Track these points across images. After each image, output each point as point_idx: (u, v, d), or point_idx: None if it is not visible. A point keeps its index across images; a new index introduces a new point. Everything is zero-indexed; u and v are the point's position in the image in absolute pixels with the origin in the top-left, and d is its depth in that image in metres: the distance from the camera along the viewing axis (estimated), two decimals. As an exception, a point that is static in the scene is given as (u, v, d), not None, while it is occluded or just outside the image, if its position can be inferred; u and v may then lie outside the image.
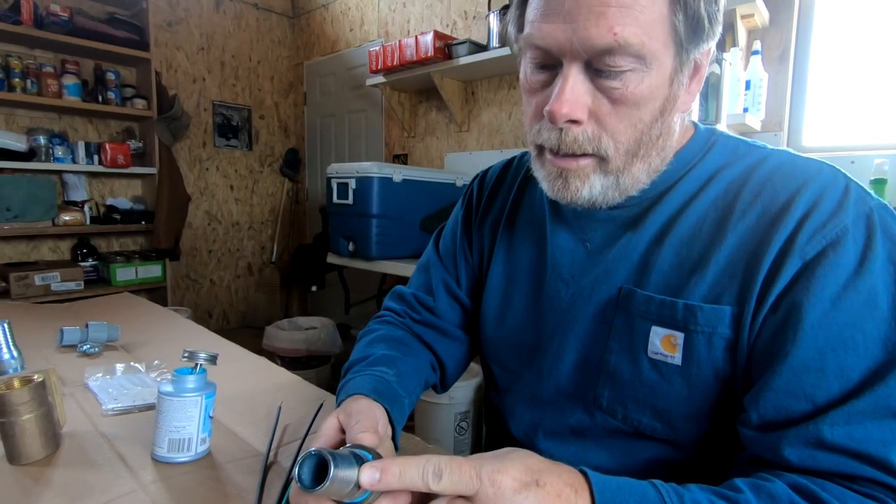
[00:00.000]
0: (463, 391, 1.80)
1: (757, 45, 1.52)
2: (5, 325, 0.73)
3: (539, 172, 0.51)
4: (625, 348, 0.49)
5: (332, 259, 2.19)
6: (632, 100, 0.44)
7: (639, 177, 0.48)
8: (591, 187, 0.47)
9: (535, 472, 0.34)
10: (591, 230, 0.55)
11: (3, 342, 0.73)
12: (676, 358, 0.46)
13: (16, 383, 0.54)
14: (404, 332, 0.66)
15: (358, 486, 0.34)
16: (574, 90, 0.43)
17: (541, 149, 0.49)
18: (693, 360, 0.45)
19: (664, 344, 0.47)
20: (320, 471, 0.34)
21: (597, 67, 0.43)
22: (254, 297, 3.53)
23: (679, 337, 0.46)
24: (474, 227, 0.69)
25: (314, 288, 3.06)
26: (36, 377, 0.55)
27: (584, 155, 0.46)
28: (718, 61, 1.42)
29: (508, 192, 0.67)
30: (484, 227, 0.67)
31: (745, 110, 1.49)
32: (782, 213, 0.43)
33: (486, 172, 0.72)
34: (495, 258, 0.64)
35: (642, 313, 0.48)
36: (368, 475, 0.33)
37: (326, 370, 2.50)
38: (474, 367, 1.91)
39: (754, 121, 1.52)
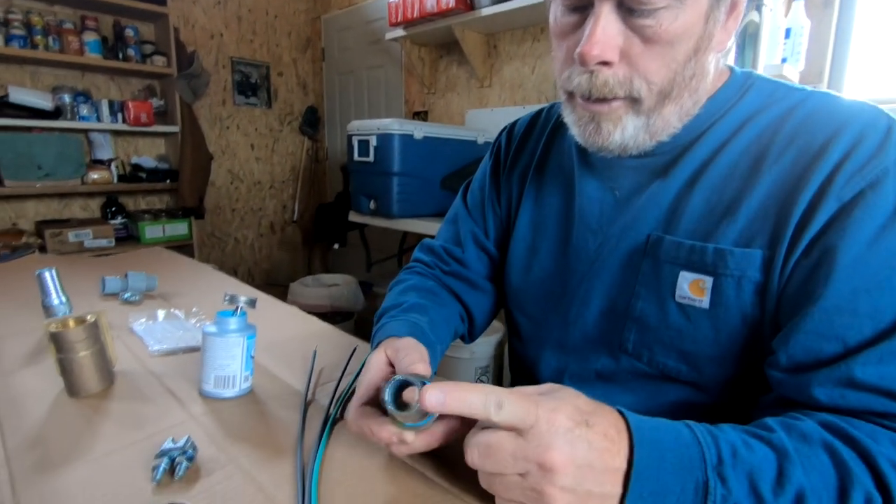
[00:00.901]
0: (483, 346, 1.85)
1: (800, -10, 1.43)
2: (54, 272, 0.77)
3: (570, 118, 0.51)
4: (652, 294, 0.50)
5: (353, 217, 2.21)
6: (665, 38, 0.42)
7: (670, 119, 0.47)
8: (623, 130, 0.47)
9: (584, 412, 0.34)
10: (620, 178, 0.55)
11: (52, 288, 0.77)
12: (704, 302, 0.47)
13: (71, 323, 0.58)
14: (434, 283, 0.68)
15: (423, 411, 0.36)
16: (606, 30, 0.42)
17: (571, 95, 0.49)
18: (721, 303, 0.46)
19: (692, 288, 0.47)
20: (397, 396, 0.39)
21: (629, 6, 0.42)
22: (277, 256, 3.61)
23: (707, 281, 0.46)
24: (502, 178, 0.69)
25: (336, 246, 3.11)
26: (89, 317, 0.59)
27: (616, 98, 0.46)
28: (758, 8, 1.34)
29: (537, 143, 0.66)
30: (512, 177, 0.67)
31: (784, 60, 1.42)
32: (819, 155, 0.43)
33: (514, 124, 0.71)
34: (523, 208, 0.65)
35: (671, 259, 0.49)
36: (434, 397, 0.34)
37: (350, 325, 2.58)
38: (495, 323, 1.94)
39: (793, 72, 1.45)
